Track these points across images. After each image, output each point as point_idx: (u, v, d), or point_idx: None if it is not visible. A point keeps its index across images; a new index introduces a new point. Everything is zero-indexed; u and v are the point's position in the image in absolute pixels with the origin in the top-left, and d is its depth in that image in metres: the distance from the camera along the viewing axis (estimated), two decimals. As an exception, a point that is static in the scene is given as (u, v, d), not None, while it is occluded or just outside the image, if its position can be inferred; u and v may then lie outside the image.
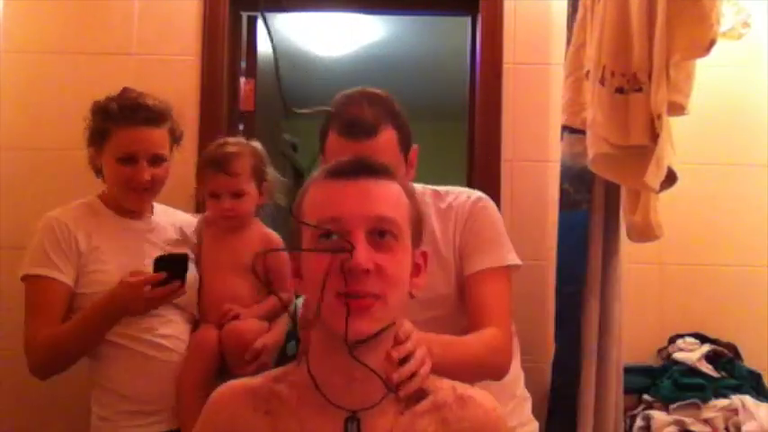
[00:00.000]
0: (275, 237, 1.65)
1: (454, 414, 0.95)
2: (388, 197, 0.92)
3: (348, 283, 0.86)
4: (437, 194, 1.47)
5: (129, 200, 1.58)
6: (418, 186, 1.45)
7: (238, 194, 1.59)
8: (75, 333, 1.48)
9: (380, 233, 0.89)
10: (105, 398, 1.53)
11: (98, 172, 1.63)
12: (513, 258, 1.41)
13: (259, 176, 1.64)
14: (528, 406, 1.54)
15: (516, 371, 1.48)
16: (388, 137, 1.30)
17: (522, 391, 1.53)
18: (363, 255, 0.85)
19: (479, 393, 0.99)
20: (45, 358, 1.48)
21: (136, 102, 1.54)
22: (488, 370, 1.28)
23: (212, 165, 1.60)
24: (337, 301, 0.86)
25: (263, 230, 1.66)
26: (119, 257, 1.53)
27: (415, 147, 1.40)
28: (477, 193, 1.48)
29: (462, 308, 1.38)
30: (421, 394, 0.96)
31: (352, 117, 1.30)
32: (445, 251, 1.40)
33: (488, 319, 1.30)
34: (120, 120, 1.52)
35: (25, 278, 1.51)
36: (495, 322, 1.30)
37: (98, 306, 1.47)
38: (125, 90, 1.59)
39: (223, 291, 1.60)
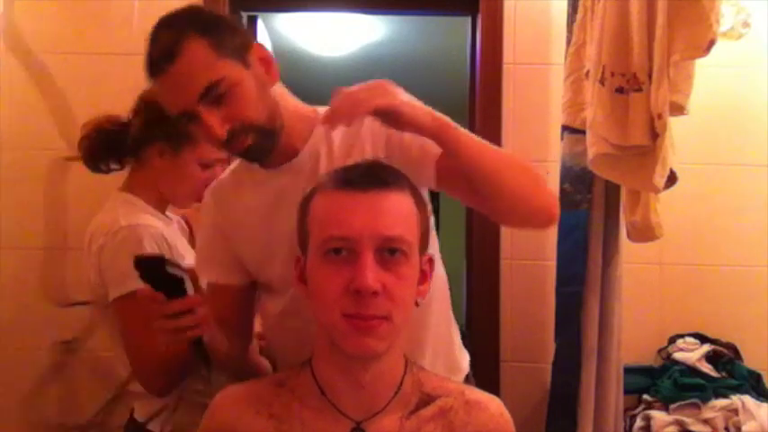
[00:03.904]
0: None
1: (460, 419, 0.95)
2: (398, 212, 0.90)
3: (356, 304, 0.85)
4: None
5: (188, 201, 1.53)
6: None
7: None
8: None
9: (390, 251, 0.88)
10: None
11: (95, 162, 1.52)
12: None
13: None
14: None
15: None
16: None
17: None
18: (371, 277, 0.85)
19: (486, 398, 0.99)
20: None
21: None
22: (536, 186, 1.08)
23: None
24: (345, 321, 0.86)
25: None
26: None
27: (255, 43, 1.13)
28: None
29: None
30: (427, 399, 0.95)
31: None
32: None
33: None
34: None
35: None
36: None
37: None
38: None
39: None
